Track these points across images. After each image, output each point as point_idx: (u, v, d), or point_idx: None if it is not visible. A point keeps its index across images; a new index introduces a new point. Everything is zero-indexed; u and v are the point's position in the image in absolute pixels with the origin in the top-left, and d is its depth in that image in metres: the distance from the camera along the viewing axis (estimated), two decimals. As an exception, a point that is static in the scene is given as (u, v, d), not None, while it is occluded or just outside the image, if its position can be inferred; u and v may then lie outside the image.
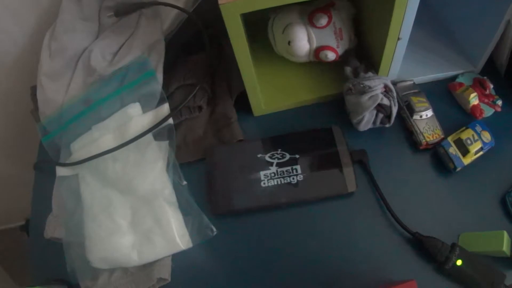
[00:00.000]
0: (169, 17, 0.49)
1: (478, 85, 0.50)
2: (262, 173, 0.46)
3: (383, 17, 0.43)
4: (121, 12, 0.51)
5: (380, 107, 0.46)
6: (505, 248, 0.38)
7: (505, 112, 0.49)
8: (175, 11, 0.48)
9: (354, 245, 0.43)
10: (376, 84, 0.45)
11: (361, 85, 0.45)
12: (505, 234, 0.39)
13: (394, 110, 0.46)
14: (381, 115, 0.47)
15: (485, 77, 0.51)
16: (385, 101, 0.45)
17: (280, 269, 0.42)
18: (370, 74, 0.47)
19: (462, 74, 0.53)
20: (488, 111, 0.49)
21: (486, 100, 0.50)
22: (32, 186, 0.52)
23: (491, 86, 0.50)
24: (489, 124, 0.46)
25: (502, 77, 0.52)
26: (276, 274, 0.42)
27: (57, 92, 0.50)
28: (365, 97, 0.45)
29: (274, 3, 0.38)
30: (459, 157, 0.45)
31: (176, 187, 0.45)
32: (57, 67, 0.50)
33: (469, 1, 0.51)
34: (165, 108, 0.48)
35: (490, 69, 0.52)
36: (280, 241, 0.44)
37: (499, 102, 0.49)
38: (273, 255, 0.43)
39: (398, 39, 0.44)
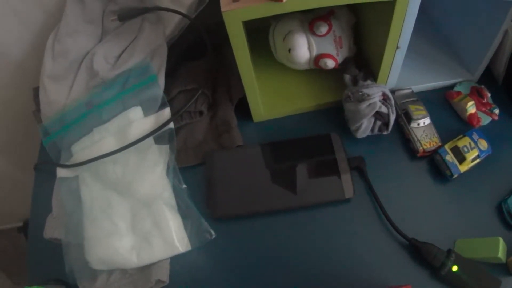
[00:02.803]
0: (171, 23, 0.50)
1: (476, 93, 0.51)
2: (260, 178, 0.47)
3: (382, 26, 0.43)
4: (124, 17, 0.52)
5: (378, 115, 0.46)
6: (500, 254, 0.39)
7: (502, 120, 0.50)
8: (178, 16, 0.48)
9: (351, 250, 0.43)
10: (375, 92, 0.45)
11: (360, 93, 0.46)
12: (501, 240, 0.39)
13: (392, 117, 0.47)
14: (379, 123, 0.47)
15: (482, 86, 0.51)
16: (383, 109, 0.46)
17: (277, 274, 0.43)
18: (368, 82, 0.48)
19: (460, 83, 0.53)
20: (485, 120, 0.50)
21: (483, 109, 0.50)
22: (30, 188, 0.52)
23: (489, 94, 0.51)
24: (486, 132, 0.47)
25: (500, 86, 0.53)
26: (273, 278, 0.42)
27: (59, 94, 0.50)
28: (364, 105, 0.45)
29: (275, 11, 0.38)
30: (455, 165, 0.45)
31: (175, 190, 0.46)
32: (60, 69, 0.51)
33: (467, 11, 0.51)
34: (166, 112, 0.49)
35: (487, 78, 0.53)
36: (277, 246, 0.44)
37: (496, 111, 0.50)
38: (270, 259, 0.43)
39: (397, 47, 0.44)
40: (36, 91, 0.53)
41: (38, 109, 0.52)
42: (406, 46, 0.45)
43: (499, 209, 0.44)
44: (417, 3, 0.40)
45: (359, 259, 0.42)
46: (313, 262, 0.43)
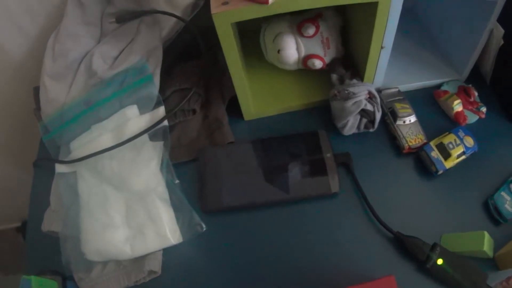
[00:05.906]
0: (167, 25, 0.51)
1: (463, 92, 0.52)
2: (250, 173, 0.48)
3: (367, 27, 0.45)
4: (122, 19, 0.53)
5: (364, 112, 0.48)
6: (485, 248, 0.39)
7: (489, 119, 0.50)
8: (174, 19, 0.50)
9: (337, 244, 0.44)
10: (360, 91, 0.47)
11: (346, 91, 0.47)
12: (486, 234, 0.40)
13: (378, 115, 0.48)
14: (365, 120, 0.48)
15: (470, 85, 0.52)
16: (369, 107, 0.47)
17: (264, 265, 0.43)
18: (355, 81, 0.49)
19: (447, 82, 0.54)
20: (472, 118, 0.50)
21: (470, 107, 0.51)
22: (29, 188, 0.53)
23: (476, 93, 0.51)
24: (474, 130, 0.47)
25: (488, 85, 0.54)
26: (262, 269, 0.43)
27: (59, 92, 0.52)
28: (349, 103, 0.46)
29: (261, 13, 0.40)
30: (441, 161, 0.46)
31: (169, 185, 0.47)
32: (60, 69, 0.52)
33: (453, 11, 0.52)
34: (161, 110, 0.50)
35: (475, 77, 0.53)
36: (265, 239, 0.45)
37: (483, 109, 0.50)
38: (258, 251, 0.44)
39: (382, 47, 0.45)
40: (36, 90, 0.55)
41: (38, 108, 0.54)
42: (391, 46, 0.46)
43: (486, 205, 0.44)
44: (400, 4, 0.41)
45: (344, 252, 0.43)
46: (300, 254, 0.44)
